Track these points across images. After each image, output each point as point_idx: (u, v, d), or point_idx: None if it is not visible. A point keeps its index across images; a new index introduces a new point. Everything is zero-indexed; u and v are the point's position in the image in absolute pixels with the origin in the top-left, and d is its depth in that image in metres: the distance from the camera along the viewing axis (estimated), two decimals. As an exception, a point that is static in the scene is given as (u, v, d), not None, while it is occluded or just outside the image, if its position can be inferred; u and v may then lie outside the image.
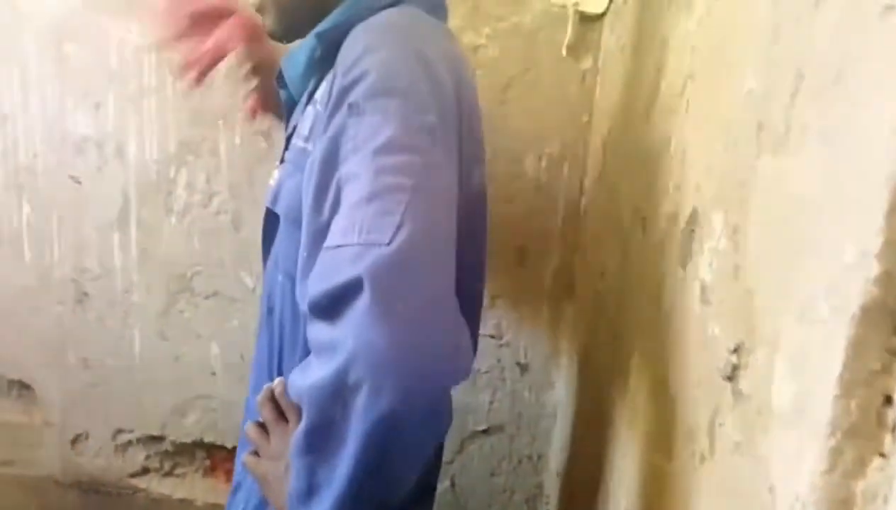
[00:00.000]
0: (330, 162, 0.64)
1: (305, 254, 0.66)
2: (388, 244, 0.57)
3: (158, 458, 1.43)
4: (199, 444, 1.41)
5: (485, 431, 1.34)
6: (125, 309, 1.38)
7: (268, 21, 0.85)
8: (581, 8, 1.20)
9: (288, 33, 0.84)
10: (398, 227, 0.57)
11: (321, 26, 0.77)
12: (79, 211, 1.35)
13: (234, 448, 1.38)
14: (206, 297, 1.35)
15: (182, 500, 1.43)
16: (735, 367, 0.47)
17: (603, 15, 1.19)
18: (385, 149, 0.61)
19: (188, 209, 1.33)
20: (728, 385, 0.48)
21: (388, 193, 0.59)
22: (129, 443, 1.43)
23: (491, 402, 1.32)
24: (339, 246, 0.59)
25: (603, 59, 1.20)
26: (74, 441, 1.44)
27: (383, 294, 0.55)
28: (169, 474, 1.45)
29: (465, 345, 0.61)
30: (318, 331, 0.59)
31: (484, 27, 1.21)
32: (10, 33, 1.30)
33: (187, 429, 1.40)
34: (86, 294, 1.38)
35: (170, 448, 1.42)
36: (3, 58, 1.31)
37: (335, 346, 0.57)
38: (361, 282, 0.55)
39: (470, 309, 0.79)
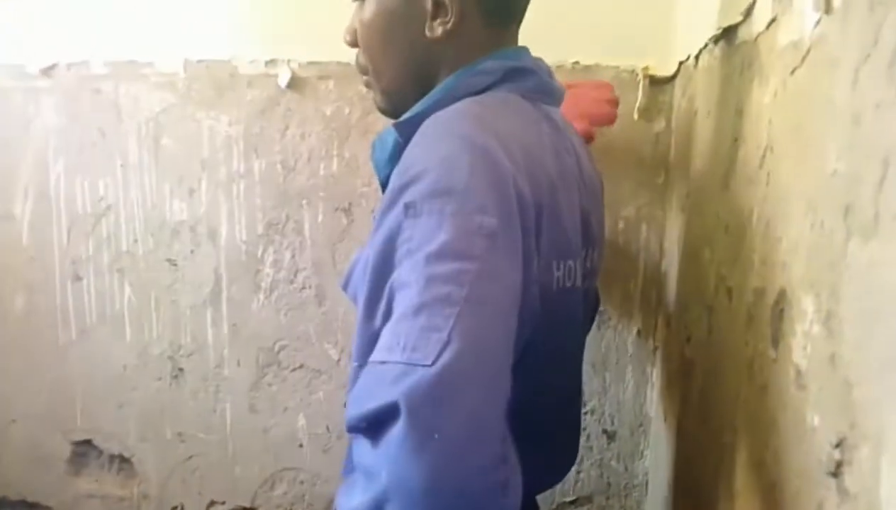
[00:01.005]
0: (384, 265, 0.61)
1: (356, 363, 0.64)
2: (431, 365, 0.52)
3: (250, 530, 1.46)
4: (288, 516, 1.43)
5: (573, 502, 1.31)
6: (217, 383, 1.43)
7: (376, 98, 0.86)
8: (651, 71, 1.20)
9: (395, 111, 0.83)
10: (444, 346, 0.53)
11: (405, 115, 0.77)
12: (174, 291, 1.43)
13: (323, 520, 1.39)
14: (293, 370, 1.39)
15: (272, 573, 1.44)
16: (839, 464, 0.44)
17: (673, 77, 1.19)
18: (438, 255, 0.57)
19: (275, 286, 1.38)
20: (833, 481, 0.45)
21: (438, 306, 0.55)
22: (222, 515, 1.47)
23: (578, 472, 1.29)
24: (382, 362, 0.55)
25: (676, 121, 1.19)
26: (171, 513, 1.49)
27: (419, 423, 0.51)
28: (259, 546, 1.47)
29: (514, 482, 0.55)
30: (360, 448, 0.56)
31: (553, 96, 1.23)
32: (113, 131, 1.41)
33: (276, 500, 1.43)
34: (181, 370, 1.44)
35: (260, 520, 1.45)
36: (108, 153, 1.42)
37: (372, 474, 0.53)
38: (398, 408, 0.51)
39: (552, 405, 0.76)
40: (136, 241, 1.43)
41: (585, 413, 1.26)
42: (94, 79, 1.41)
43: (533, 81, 0.78)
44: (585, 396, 1.26)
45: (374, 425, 0.53)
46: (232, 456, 1.43)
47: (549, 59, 1.13)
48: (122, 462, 1.51)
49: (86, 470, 1.53)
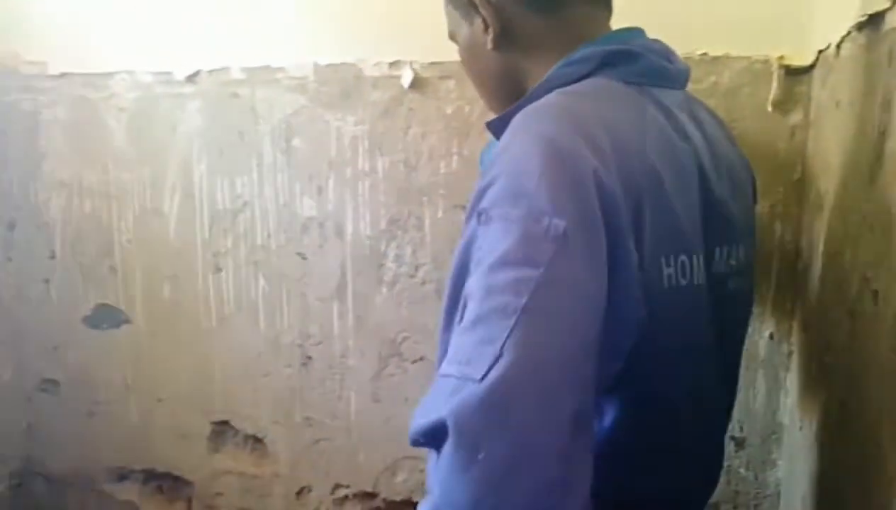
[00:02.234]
0: (460, 274, 0.60)
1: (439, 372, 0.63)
2: (480, 380, 0.50)
3: (372, 514, 1.53)
4: (407, 503, 1.48)
5: None
6: (342, 372, 1.50)
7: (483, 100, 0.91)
8: (786, 61, 1.14)
9: (500, 110, 0.83)
10: (496, 359, 0.50)
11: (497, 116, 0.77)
12: (304, 283, 1.51)
13: (441, 509, 1.43)
14: (414, 362, 1.44)
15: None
16: None
17: (811, 67, 1.12)
18: (499, 264, 0.55)
19: (397, 280, 1.43)
20: None
21: (493, 316, 0.53)
22: (346, 497, 1.53)
23: (703, 479, 1.24)
24: (445, 375, 0.54)
25: (814, 113, 1.12)
26: (299, 493, 1.58)
27: (465, 441, 0.49)
28: (384, 530, 1.53)
29: (573, 505, 0.51)
30: (429, 460, 0.55)
31: (680, 89, 1.19)
32: (250, 133, 1.51)
33: (397, 487, 1.48)
34: (309, 358, 1.52)
35: (381, 505, 1.51)
36: (244, 154, 1.51)
37: (430, 487, 0.53)
38: (447, 425, 0.50)
39: (680, 409, 0.72)
40: (269, 235, 1.52)
41: (710, 417, 1.22)
42: (233, 84, 1.51)
43: (638, 65, 0.73)
44: (711, 400, 1.22)
45: (430, 440, 0.53)
46: (356, 442, 1.50)
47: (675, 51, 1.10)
48: (256, 442, 1.61)
49: (224, 448, 1.64)
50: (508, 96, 0.81)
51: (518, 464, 0.49)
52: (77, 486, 1.81)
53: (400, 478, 1.47)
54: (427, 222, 1.39)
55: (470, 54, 0.84)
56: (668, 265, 0.65)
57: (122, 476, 1.76)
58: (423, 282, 1.41)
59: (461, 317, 0.58)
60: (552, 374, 0.52)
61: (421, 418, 0.54)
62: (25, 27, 1.71)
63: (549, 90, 0.70)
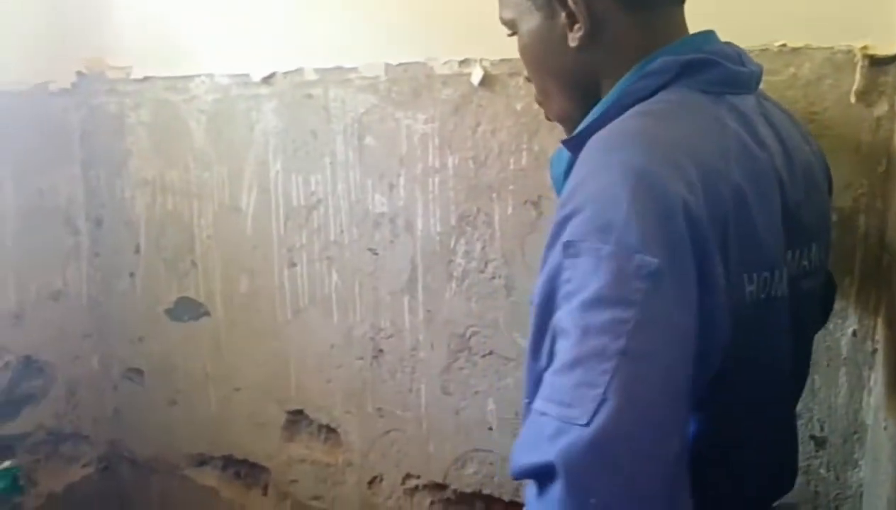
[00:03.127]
0: (547, 304, 0.60)
1: (526, 400, 0.64)
2: (587, 425, 0.51)
3: (441, 505, 1.55)
4: (477, 495, 1.50)
5: None
6: (413, 365, 1.53)
7: (546, 113, 0.88)
8: (870, 51, 1.10)
9: (565, 124, 0.84)
10: (600, 404, 0.51)
11: (575, 131, 0.75)
12: (375, 278, 1.54)
13: (512, 502, 1.44)
14: (483, 356, 1.45)
15: (462, 547, 1.52)
16: None
17: (898, 56, 1.08)
18: (593, 303, 0.55)
19: (466, 275, 1.45)
20: None
21: (593, 360, 0.53)
22: (417, 488, 1.57)
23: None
24: (542, 414, 0.55)
25: (902, 103, 1.08)
26: (371, 482, 1.62)
27: (575, 486, 0.50)
28: (451, 520, 1.56)
29: None
30: (529, 492, 0.56)
31: (757, 82, 1.17)
32: (323, 132, 1.55)
33: (467, 479, 1.50)
34: (381, 350, 1.56)
35: (452, 496, 1.53)
36: (319, 152, 1.56)
37: None
38: (555, 469, 0.51)
39: (758, 421, 0.72)
40: (342, 231, 1.56)
41: (789, 415, 1.20)
42: (307, 85, 1.56)
43: (715, 73, 0.72)
44: (789, 398, 1.19)
45: (536, 478, 0.54)
46: (426, 433, 1.53)
47: (752, 43, 1.09)
48: (329, 432, 1.66)
49: (298, 436, 1.70)
50: (579, 99, 0.79)
51: (630, 506, 0.50)
52: (160, 471, 1.90)
53: (470, 470, 1.50)
54: (496, 218, 1.41)
55: (542, 50, 0.80)
56: (751, 282, 0.65)
57: (202, 461, 1.84)
58: (493, 278, 1.43)
59: (549, 350, 0.59)
60: (657, 416, 0.53)
61: (524, 457, 0.55)
62: (111, 34, 1.80)
63: (624, 105, 0.70)
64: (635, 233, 0.55)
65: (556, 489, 0.51)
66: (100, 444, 1.95)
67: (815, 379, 1.17)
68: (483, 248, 1.43)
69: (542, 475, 0.52)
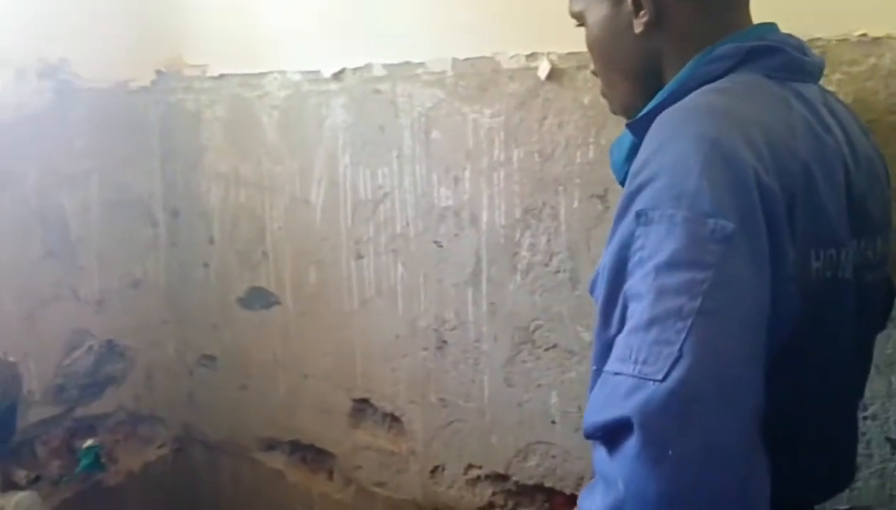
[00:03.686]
0: (618, 273, 0.62)
1: (594, 367, 0.65)
2: (663, 380, 0.53)
3: (503, 496, 1.57)
4: (539, 487, 1.51)
5: (846, 511, 1.22)
6: (476, 356, 1.55)
7: (611, 107, 0.90)
8: (961, 38, 1.06)
9: (629, 115, 0.85)
10: (675, 361, 0.53)
11: (639, 114, 0.77)
12: (440, 270, 1.57)
13: (573, 495, 1.45)
14: (546, 349, 1.46)
15: (524, 538, 1.54)
16: None
17: None
18: (668, 266, 0.56)
19: (531, 268, 1.45)
20: None
21: (668, 319, 0.55)
22: (478, 478, 1.59)
23: (854, 480, 1.19)
24: (616, 373, 0.56)
25: None
26: (433, 471, 1.64)
27: (654, 438, 0.52)
28: (512, 511, 1.57)
29: (755, 493, 0.53)
30: (599, 455, 0.57)
31: (834, 74, 1.14)
32: (391, 126, 1.58)
33: (529, 471, 1.51)
34: (444, 342, 1.58)
35: (513, 487, 1.55)
36: (386, 146, 1.59)
37: (610, 481, 0.55)
38: (632, 423, 0.52)
39: (820, 408, 0.71)
40: (408, 224, 1.59)
41: (866, 417, 1.16)
42: (375, 80, 1.59)
43: (779, 59, 0.73)
44: (866, 399, 1.16)
45: (609, 436, 0.55)
46: (489, 424, 1.55)
47: (830, 33, 1.06)
48: (394, 420, 1.70)
49: (363, 424, 1.74)
50: (643, 88, 0.81)
51: (708, 459, 0.51)
52: (230, 453, 1.98)
53: (532, 462, 1.51)
54: (562, 212, 1.41)
55: (608, 38, 0.82)
56: (817, 259, 0.66)
57: (271, 446, 1.91)
58: (557, 271, 1.43)
59: (620, 317, 0.60)
60: (731, 373, 0.54)
61: (597, 414, 0.57)
62: (188, 35, 1.88)
63: (690, 88, 0.71)
64: (708, 199, 0.57)
65: (632, 443, 0.52)
66: (174, 426, 2.04)
67: (892, 379, 1.14)
68: (548, 241, 1.43)
69: (617, 431, 0.54)
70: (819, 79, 0.81)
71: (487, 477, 1.57)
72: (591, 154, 1.37)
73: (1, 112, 1.62)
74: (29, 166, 1.68)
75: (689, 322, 0.54)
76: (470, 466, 1.59)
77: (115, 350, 1.89)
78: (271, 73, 1.73)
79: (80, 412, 1.81)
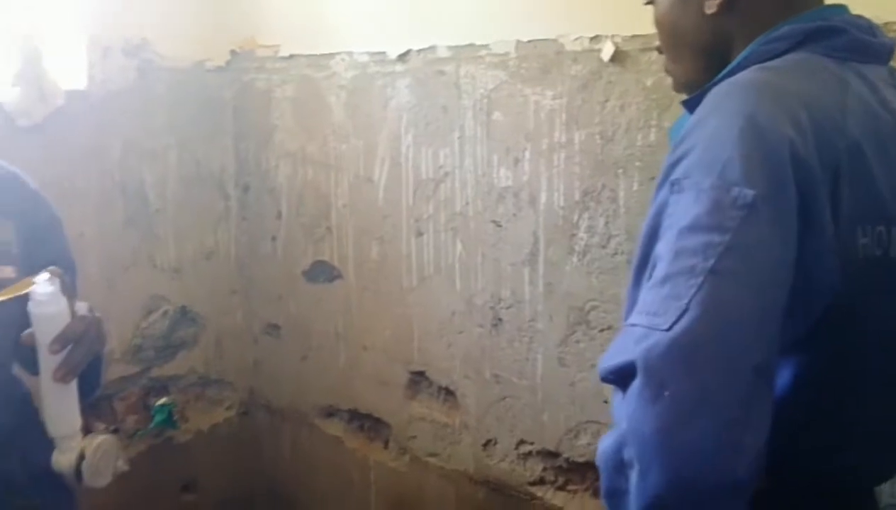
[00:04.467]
0: (651, 238, 0.65)
1: (624, 324, 0.69)
2: (667, 330, 0.57)
3: (554, 472, 1.60)
4: (590, 466, 1.53)
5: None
6: (531, 335, 1.58)
7: (675, 86, 0.91)
8: None
9: (689, 91, 0.85)
10: (682, 313, 0.57)
11: (696, 93, 0.77)
12: (498, 250, 1.60)
13: (622, 474, 1.47)
14: (601, 331, 1.48)
15: (572, 514, 1.57)
16: None
17: None
18: (689, 229, 0.60)
19: (588, 250, 1.47)
20: None
21: (681, 276, 0.59)
22: (530, 453, 1.62)
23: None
24: (632, 325, 0.61)
25: None
26: (485, 444, 1.69)
27: (652, 380, 0.56)
28: (562, 488, 1.60)
29: (750, 443, 0.56)
30: (615, 398, 0.63)
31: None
32: (452, 108, 1.61)
33: (580, 450, 1.54)
34: (500, 319, 1.62)
35: (564, 464, 1.57)
36: (448, 127, 1.63)
37: (618, 420, 0.60)
38: (636, 366, 0.57)
39: (877, 385, 0.72)
40: (467, 203, 1.63)
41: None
42: (439, 62, 1.62)
43: (841, 40, 0.74)
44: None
45: (619, 378, 0.61)
46: (541, 402, 1.58)
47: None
48: (448, 394, 1.75)
49: (419, 396, 1.80)
50: (710, 68, 0.81)
51: (700, 401, 0.56)
52: (292, 419, 2.07)
53: (583, 440, 1.53)
54: (621, 194, 1.42)
55: (679, 16, 0.83)
56: (865, 235, 0.67)
57: (330, 413, 1.99)
58: (615, 254, 1.44)
59: (649, 278, 0.64)
60: (734, 329, 0.58)
61: (611, 359, 0.62)
62: (261, 16, 1.95)
63: (745, 68, 0.72)
64: (738, 169, 0.60)
65: (636, 384, 0.57)
66: (241, 391, 2.14)
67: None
68: (606, 223, 1.44)
69: (625, 373, 0.59)
70: (888, 60, 0.80)
71: (538, 453, 1.61)
72: (652, 137, 1.37)
73: (90, 88, 1.73)
74: (114, 140, 1.79)
75: (699, 280, 0.57)
76: (521, 442, 1.63)
77: (188, 316, 2.00)
78: (339, 53, 1.79)
79: (154, 372, 1.93)
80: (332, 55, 1.81)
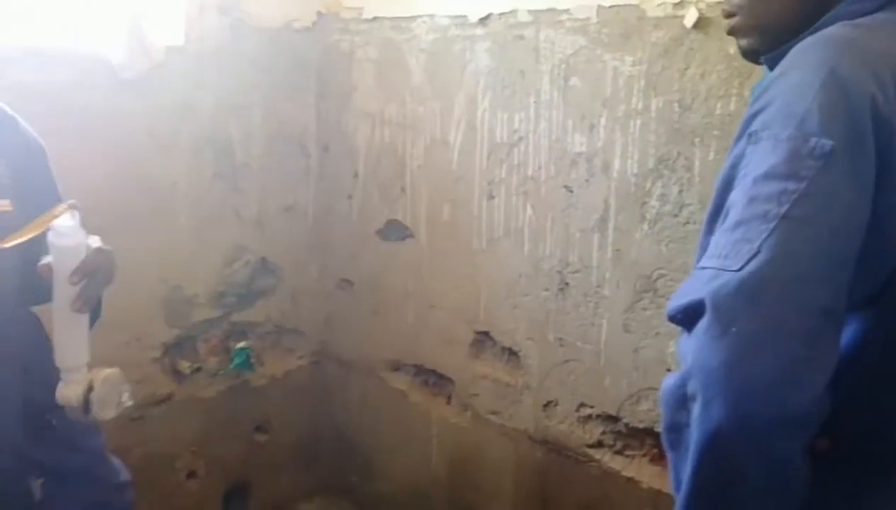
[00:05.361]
0: (725, 188, 0.67)
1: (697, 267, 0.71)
2: (738, 271, 0.59)
3: (612, 436, 1.62)
4: (649, 432, 1.55)
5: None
6: (597, 301, 1.59)
7: (743, 42, 0.85)
8: None
9: (764, 53, 0.82)
10: (753, 255, 0.59)
11: (778, 51, 0.76)
12: (568, 215, 1.61)
13: (681, 441, 1.48)
14: (668, 298, 1.48)
15: (629, 479, 1.58)
16: None
17: None
18: (764, 176, 0.62)
19: (659, 218, 1.47)
20: None
21: (754, 221, 0.60)
22: (589, 417, 1.65)
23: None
24: (702, 267, 0.63)
25: None
26: (546, 405, 1.72)
27: (720, 317, 0.58)
28: (619, 453, 1.62)
29: (812, 381, 0.58)
30: (680, 339, 0.65)
31: None
32: (531, 72, 1.63)
33: (640, 415, 1.56)
34: (567, 284, 1.64)
35: (623, 429, 1.60)
36: (525, 92, 1.64)
37: (683, 357, 0.62)
38: (704, 304, 0.59)
39: None
40: (539, 168, 1.65)
41: None
42: (520, 26, 1.64)
43: None
44: None
45: (687, 317, 0.62)
46: (603, 366, 1.60)
47: None
48: (511, 354, 1.79)
49: (483, 355, 1.85)
50: (796, 29, 0.77)
51: (767, 338, 0.58)
52: (360, 371, 2.16)
53: (644, 406, 1.55)
54: (697, 163, 1.41)
55: None
56: None
57: (396, 368, 2.07)
58: (686, 223, 1.44)
59: (721, 225, 0.66)
60: (803, 272, 0.60)
61: (679, 299, 0.65)
62: (347, -23, 2.00)
63: (832, 24, 0.72)
64: (816, 121, 0.61)
65: (704, 321, 0.60)
66: (313, 342, 2.24)
67: None
68: (680, 192, 1.44)
69: (693, 311, 0.61)
70: None
71: (598, 416, 1.63)
72: (732, 106, 1.35)
73: (187, 45, 1.83)
74: (206, 96, 1.89)
75: (772, 225, 0.59)
76: (582, 404, 1.65)
77: (268, 267, 2.10)
78: (421, 16, 1.82)
79: (235, 318, 2.05)
80: (413, 18, 1.84)
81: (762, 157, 0.63)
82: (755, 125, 0.66)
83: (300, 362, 2.22)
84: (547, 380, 1.71)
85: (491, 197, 1.75)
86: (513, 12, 1.64)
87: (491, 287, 1.79)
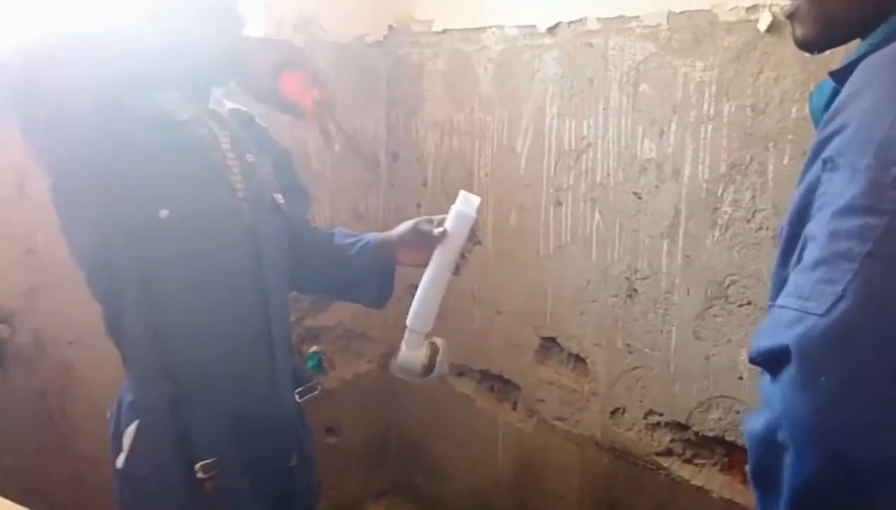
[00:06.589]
0: (801, 216, 0.65)
1: (770, 303, 0.69)
2: (823, 315, 0.56)
3: (682, 445, 1.60)
4: (719, 440, 1.53)
5: None
6: (666, 307, 1.58)
7: (799, 30, 0.82)
8: None
9: (819, 43, 0.81)
10: (838, 299, 0.56)
11: (841, 63, 0.74)
12: (637, 221, 1.61)
13: (754, 450, 1.45)
14: (740, 305, 1.46)
15: (699, 488, 1.56)
16: None
17: None
18: (844, 211, 0.59)
19: (731, 224, 1.46)
20: None
21: (837, 260, 0.57)
22: (658, 424, 1.64)
23: None
24: (782, 306, 0.61)
25: None
26: (613, 412, 1.72)
27: (808, 366, 0.56)
28: (689, 461, 1.60)
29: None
30: (763, 380, 0.63)
31: None
32: (600, 79, 1.64)
33: (710, 424, 1.54)
34: (635, 290, 1.64)
35: (693, 437, 1.58)
36: (594, 99, 1.65)
37: (770, 402, 0.60)
38: (790, 351, 0.57)
39: None
40: (608, 174, 1.65)
41: None
42: (589, 34, 1.65)
43: None
44: None
45: (770, 361, 0.60)
46: (673, 374, 1.58)
47: None
48: (578, 361, 1.79)
49: (549, 361, 1.86)
50: (859, 27, 0.76)
51: (856, 386, 0.56)
52: (427, 376, 2.19)
53: (714, 415, 1.53)
54: (770, 168, 1.39)
55: None
56: None
57: (462, 372, 2.09)
58: (759, 228, 1.42)
59: (798, 258, 0.64)
60: (891, 316, 0.57)
61: (762, 341, 0.63)
62: (417, -9, 2.06)
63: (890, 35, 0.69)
64: (894, 148, 0.58)
65: (790, 370, 0.58)
66: (381, 346, 2.29)
67: None
68: (752, 197, 1.42)
69: (777, 357, 0.59)
70: None
71: (667, 424, 1.62)
72: (807, 109, 1.32)
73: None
74: (283, 108, 1.97)
75: (856, 264, 0.57)
76: (651, 412, 1.64)
77: (339, 272, 2.16)
78: (490, 27, 1.86)
79: (308, 322, 2.11)
80: (483, 29, 1.88)
81: (840, 188, 0.60)
82: (830, 150, 0.63)
83: (369, 366, 2.28)
84: (615, 386, 1.71)
85: (558, 203, 1.77)
86: (582, 20, 1.66)
87: (558, 293, 1.80)
